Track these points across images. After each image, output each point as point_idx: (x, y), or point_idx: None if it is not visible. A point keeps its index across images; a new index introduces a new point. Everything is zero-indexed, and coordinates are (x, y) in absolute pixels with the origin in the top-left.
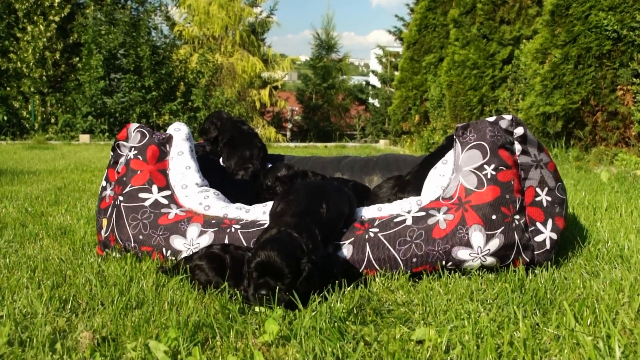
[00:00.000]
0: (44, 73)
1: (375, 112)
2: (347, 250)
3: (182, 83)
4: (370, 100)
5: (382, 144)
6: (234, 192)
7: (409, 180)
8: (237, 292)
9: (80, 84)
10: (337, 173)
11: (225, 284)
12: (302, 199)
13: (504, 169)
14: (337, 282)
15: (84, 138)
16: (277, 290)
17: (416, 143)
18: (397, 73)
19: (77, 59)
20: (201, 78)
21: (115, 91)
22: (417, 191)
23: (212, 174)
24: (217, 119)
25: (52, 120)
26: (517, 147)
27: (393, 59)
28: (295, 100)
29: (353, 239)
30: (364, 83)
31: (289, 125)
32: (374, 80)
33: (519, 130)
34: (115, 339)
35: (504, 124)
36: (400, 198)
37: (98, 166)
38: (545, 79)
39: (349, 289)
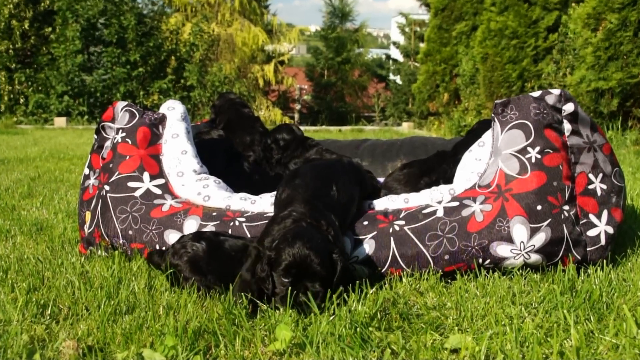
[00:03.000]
0: (11, 46)
1: (397, 90)
2: (368, 246)
3: (173, 57)
4: (392, 76)
5: (406, 127)
6: (239, 181)
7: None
8: (230, 292)
9: (54, 59)
10: (355, 159)
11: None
12: (310, 182)
13: (551, 151)
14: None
15: (60, 121)
16: (317, 293)
17: (445, 126)
18: (422, 45)
19: (50, 29)
20: (195, 52)
21: (96, 67)
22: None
23: (214, 161)
24: (218, 100)
25: (22, 101)
26: (567, 126)
27: (418, 28)
28: (304, 77)
29: (375, 232)
30: (383, 57)
31: (297, 106)
32: (396, 54)
33: (568, 107)
34: (102, 348)
35: (550, 99)
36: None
37: (77, 153)
38: (598, 49)
39: (372, 290)
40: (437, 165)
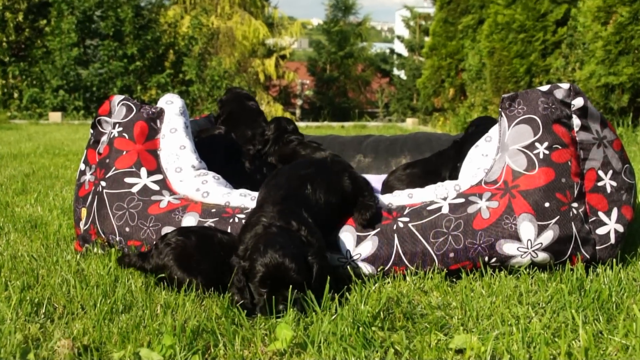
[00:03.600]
0: (4, 38)
1: (402, 85)
2: (371, 243)
3: (171, 51)
4: (396, 71)
5: (410, 124)
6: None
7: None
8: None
9: (48, 52)
10: (359, 155)
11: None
12: (285, 182)
13: (560, 147)
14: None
15: (55, 116)
16: (294, 300)
17: (450, 122)
18: (427, 39)
19: (45, 21)
20: (194, 45)
21: (92, 61)
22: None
23: (213, 157)
24: (225, 94)
25: (16, 96)
26: (576, 121)
27: (423, 22)
28: (306, 72)
29: (379, 229)
30: (387, 51)
31: (299, 102)
32: (400, 48)
33: (578, 102)
34: (99, 347)
35: (559, 94)
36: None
37: (72, 149)
38: (608, 43)
39: (373, 288)
40: (441, 167)
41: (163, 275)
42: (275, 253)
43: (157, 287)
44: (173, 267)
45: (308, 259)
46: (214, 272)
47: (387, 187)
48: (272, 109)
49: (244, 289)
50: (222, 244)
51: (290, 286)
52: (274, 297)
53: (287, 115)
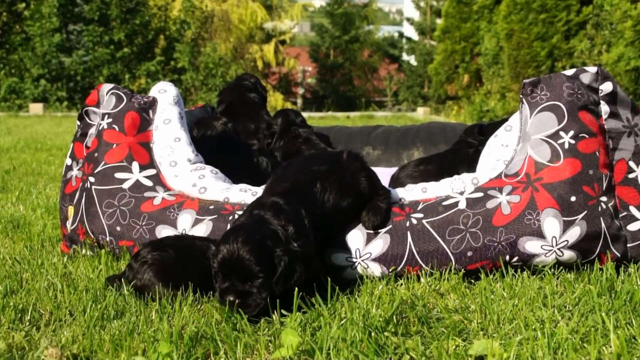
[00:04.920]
0: None
1: (412, 72)
2: (382, 242)
3: (161, 37)
4: (405, 56)
5: (421, 113)
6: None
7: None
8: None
9: (28, 39)
10: (367, 147)
11: None
12: (292, 175)
13: (587, 136)
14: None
15: (36, 108)
16: (247, 294)
17: (465, 111)
18: (439, 21)
19: (24, 5)
20: (186, 30)
21: (75, 47)
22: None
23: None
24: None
25: None
26: (604, 108)
27: (435, 3)
28: (308, 59)
29: (390, 226)
30: (396, 35)
31: (300, 91)
32: (410, 31)
33: (606, 87)
34: (89, 356)
35: (586, 78)
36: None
37: (56, 143)
38: (638, 23)
39: (385, 290)
40: (458, 166)
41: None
42: (234, 241)
43: None
44: (156, 286)
45: (275, 253)
46: (205, 282)
47: (398, 184)
48: (271, 99)
49: (214, 276)
50: (203, 251)
51: (246, 277)
52: (225, 286)
53: (289, 105)
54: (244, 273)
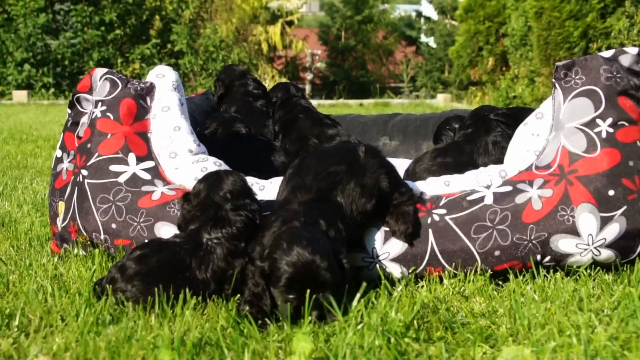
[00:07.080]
0: None
1: (431, 55)
2: (401, 241)
3: (157, 17)
4: (424, 38)
5: (441, 100)
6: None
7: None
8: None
9: (10, 19)
10: (384, 137)
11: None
12: (312, 183)
13: (626, 124)
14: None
15: (19, 96)
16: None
17: (490, 97)
18: None
19: None
20: (184, 10)
21: (63, 29)
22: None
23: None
24: (224, 73)
25: None
26: None
27: None
28: (317, 41)
29: None
30: (413, 14)
31: (309, 76)
32: (429, 10)
33: None
34: None
35: (625, 60)
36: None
37: (42, 134)
38: None
39: (405, 292)
40: (478, 157)
41: None
42: (303, 249)
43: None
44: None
45: (340, 257)
46: (200, 286)
47: (414, 177)
48: None
49: (261, 295)
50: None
51: (324, 287)
52: (304, 303)
53: None
54: (323, 283)
